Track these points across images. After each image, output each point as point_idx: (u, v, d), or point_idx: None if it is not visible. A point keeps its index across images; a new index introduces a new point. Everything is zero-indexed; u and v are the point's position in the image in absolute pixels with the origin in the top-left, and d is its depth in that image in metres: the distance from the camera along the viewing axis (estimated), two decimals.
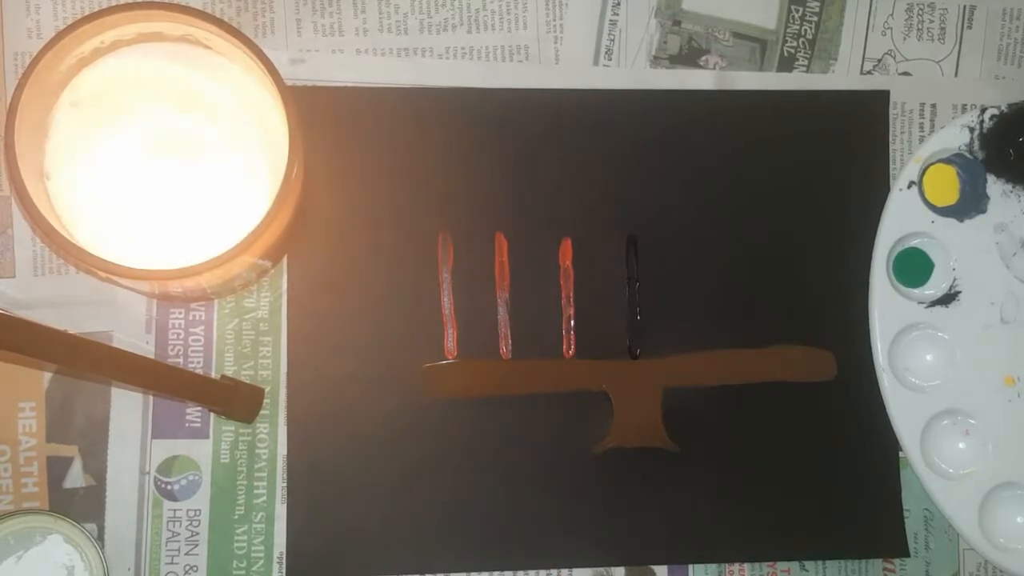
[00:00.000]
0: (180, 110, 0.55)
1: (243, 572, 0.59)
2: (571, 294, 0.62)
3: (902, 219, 0.63)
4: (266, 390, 0.60)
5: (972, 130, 0.63)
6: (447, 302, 0.61)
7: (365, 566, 0.60)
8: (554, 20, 0.63)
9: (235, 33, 0.51)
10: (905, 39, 0.65)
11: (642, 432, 0.61)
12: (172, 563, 0.59)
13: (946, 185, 0.63)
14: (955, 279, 0.63)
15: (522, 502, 0.60)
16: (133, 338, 0.60)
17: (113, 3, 0.52)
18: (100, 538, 0.59)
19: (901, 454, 0.62)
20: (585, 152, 0.62)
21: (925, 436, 0.62)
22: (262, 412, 0.60)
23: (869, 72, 0.65)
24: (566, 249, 0.62)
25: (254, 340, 0.60)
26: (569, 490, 0.61)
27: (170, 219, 0.54)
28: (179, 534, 0.59)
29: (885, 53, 0.65)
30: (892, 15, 0.65)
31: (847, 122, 0.64)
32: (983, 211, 0.63)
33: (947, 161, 0.63)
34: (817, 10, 0.65)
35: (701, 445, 0.62)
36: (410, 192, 0.61)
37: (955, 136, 0.63)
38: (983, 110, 0.63)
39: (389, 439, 0.60)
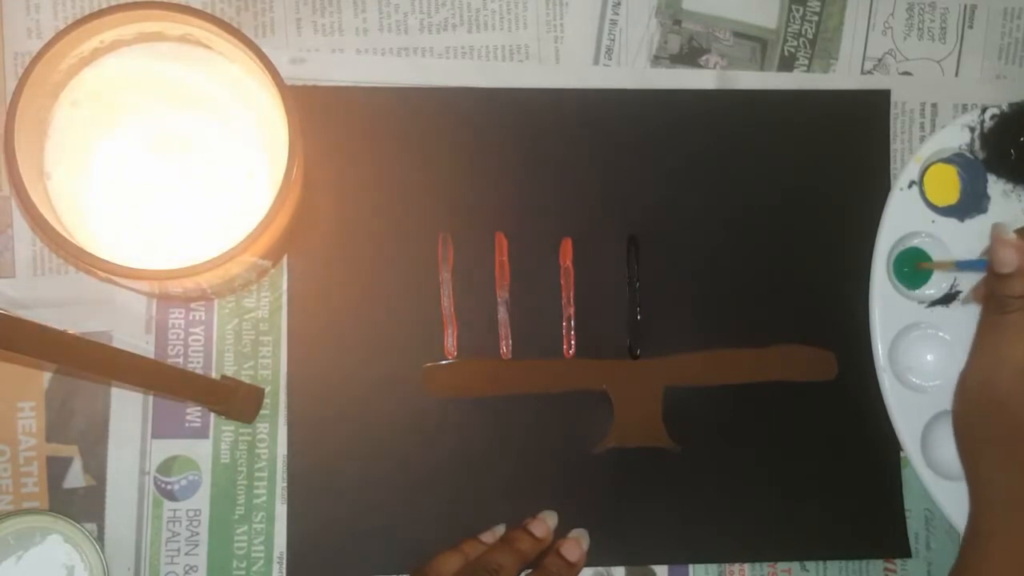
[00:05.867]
0: (180, 110, 0.55)
1: (243, 572, 0.59)
2: (571, 294, 0.62)
3: (903, 219, 0.63)
4: (266, 390, 0.60)
5: (973, 130, 0.63)
6: (447, 302, 0.61)
7: (365, 566, 0.60)
8: (554, 20, 0.63)
9: (235, 33, 0.51)
10: (906, 39, 0.65)
11: (642, 432, 0.61)
12: (172, 563, 0.59)
13: (947, 185, 0.63)
14: (956, 279, 0.63)
15: (522, 502, 0.60)
16: (133, 338, 0.60)
17: (113, 3, 0.52)
18: (100, 538, 0.58)
19: (902, 454, 0.62)
20: (585, 152, 0.62)
21: (926, 436, 0.62)
22: (262, 412, 0.60)
23: (870, 72, 0.65)
24: (566, 249, 0.62)
25: (254, 340, 0.60)
26: (569, 490, 0.61)
27: (170, 219, 0.54)
28: (179, 534, 0.59)
29: (886, 53, 0.65)
30: (893, 15, 0.65)
31: (848, 122, 0.64)
32: (984, 211, 0.63)
33: (948, 161, 0.63)
34: (818, 10, 0.65)
35: (701, 445, 0.62)
36: (410, 192, 0.61)
37: (956, 136, 0.63)
38: (984, 110, 0.63)
39: (389, 439, 0.60)
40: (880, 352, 0.62)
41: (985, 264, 0.57)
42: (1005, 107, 0.63)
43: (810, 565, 0.62)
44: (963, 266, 0.61)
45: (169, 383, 0.55)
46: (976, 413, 0.57)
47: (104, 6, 0.52)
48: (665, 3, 0.64)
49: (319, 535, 0.59)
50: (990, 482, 0.57)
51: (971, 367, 0.58)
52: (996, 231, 0.55)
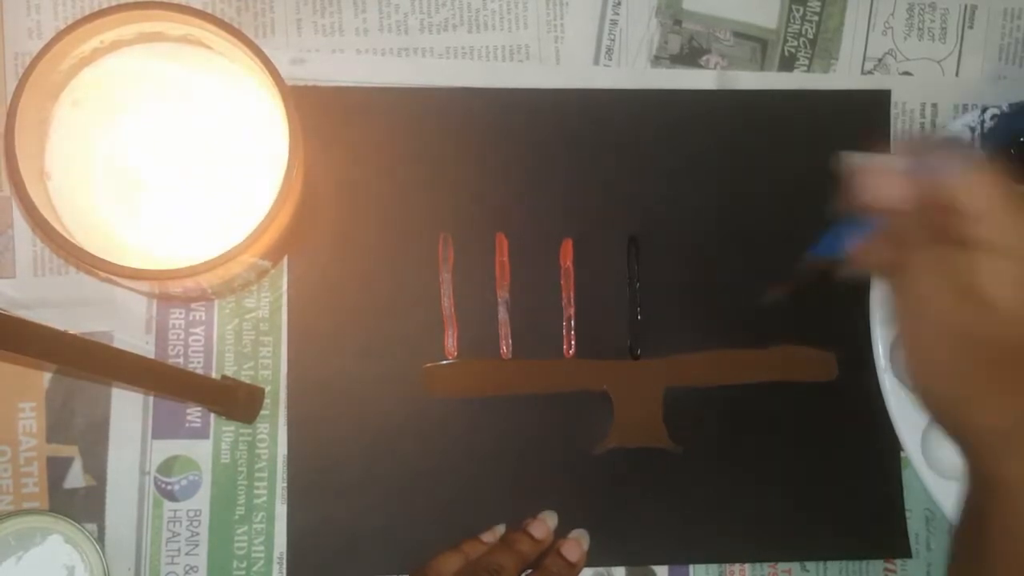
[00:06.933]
0: (180, 110, 0.55)
1: (243, 572, 0.59)
2: (571, 294, 0.62)
3: None
4: (266, 390, 0.60)
5: (973, 130, 0.63)
6: (447, 302, 0.61)
7: (365, 566, 0.60)
8: (555, 20, 0.63)
9: (235, 33, 0.51)
10: (906, 39, 0.65)
11: (643, 432, 0.61)
12: (172, 563, 0.59)
13: None
14: None
15: (522, 502, 0.60)
16: (133, 338, 0.60)
17: (113, 3, 0.52)
18: (100, 538, 0.58)
19: (902, 454, 0.62)
20: (586, 152, 0.62)
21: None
22: (262, 412, 0.60)
23: (870, 72, 0.65)
24: (567, 249, 0.62)
25: (254, 340, 0.60)
26: (569, 490, 0.61)
27: (170, 219, 0.54)
28: (179, 534, 0.59)
29: (886, 53, 0.65)
30: (893, 15, 0.65)
31: (848, 122, 0.64)
32: None
33: None
34: (818, 10, 0.65)
35: (702, 445, 0.62)
36: (410, 192, 0.61)
37: (956, 136, 0.63)
38: (984, 110, 0.63)
39: (389, 439, 0.60)
40: (880, 352, 0.62)
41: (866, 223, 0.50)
42: (1005, 107, 0.63)
43: (810, 565, 0.62)
44: (821, 251, 0.53)
45: (169, 383, 0.55)
46: (950, 368, 0.50)
47: (104, 6, 0.52)
48: (665, 3, 0.64)
49: (319, 535, 0.59)
50: (991, 422, 0.49)
51: (914, 330, 0.50)
52: (873, 172, 0.47)
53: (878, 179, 0.47)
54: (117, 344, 0.59)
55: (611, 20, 0.63)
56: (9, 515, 0.56)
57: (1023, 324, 0.47)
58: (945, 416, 0.51)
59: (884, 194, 0.47)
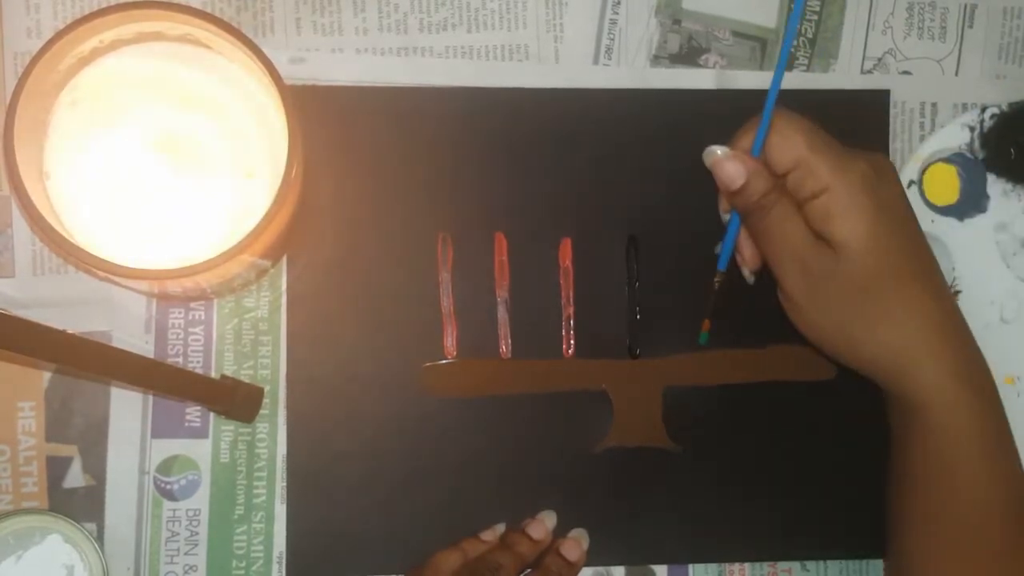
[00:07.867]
0: (180, 110, 0.55)
1: (243, 572, 0.59)
2: (571, 294, 0.62)
3: None
4: (265, 389, 0.60)
5: (973, 129, 0.63)
6: (447, 302, 0.61)
7: (365, 566, 0.60)
8: (554, 19, 0.63)
9: (235, 33, 0.51)
10: (906, 38, 0.65)
11: (642, 432, 0.61)
12: (171, 563, 0.59)
13: (946, 184, 0.63)
14: (955, 278, 0.63)
15: (522, 502, 0.60)
16: (133, 338, 0.60)
17: (113, 3, 0.52)
18: (100, 538, 0.59)
19: None
20: (585, 151, 0.62)
21: None
22: (262, 412, 0.60)
23: (869, 71, 0.65)
24: (566, 249, 0.62)
25: (254, 340, 0.60)
26: (569, 490, 0.61)
27: (170, 218, 0.54)
28: (179, 534, 0.59)
29: (886, 52, 0.65)
30: (893, 14, 0.65)
31: (847, 121, 0.63)
32: (983, 210, 0.63)
33: (947, 160, 0.63)
34: (817, 9, 0.65)
35: (701, 445, 0.62)
36: (410, 192, 0.61)
37: (956, 135, 0.63)
38: (983, 109, 0.63)
39: (389, 439, 0.60)
40: None
41: (734, 222, 0.57)
42: (1005, 107, 0.63)
43: (810, 565, 0.62)
44: (725, 253, 0.59)
45: (169, 383, 0.55)
46: (828, 315, 0.54)
47: (103, 6, 0.52)
48: (665, 2, 0.64)
49: (319, 535, 0.60)
50: (875, 352, 0.53)
51: (794, 282, 0.54)
52: (708, 157, 0.55)
53: (724, 167, 0.54)
54: (116, 344, 0.59)
55: (610, 20, 0.63)
56: (8, 514, 0.56)
57: (866, 258, 0.52)
58: (840, 355, 0.55)
59: (728, 177, 0.54)
